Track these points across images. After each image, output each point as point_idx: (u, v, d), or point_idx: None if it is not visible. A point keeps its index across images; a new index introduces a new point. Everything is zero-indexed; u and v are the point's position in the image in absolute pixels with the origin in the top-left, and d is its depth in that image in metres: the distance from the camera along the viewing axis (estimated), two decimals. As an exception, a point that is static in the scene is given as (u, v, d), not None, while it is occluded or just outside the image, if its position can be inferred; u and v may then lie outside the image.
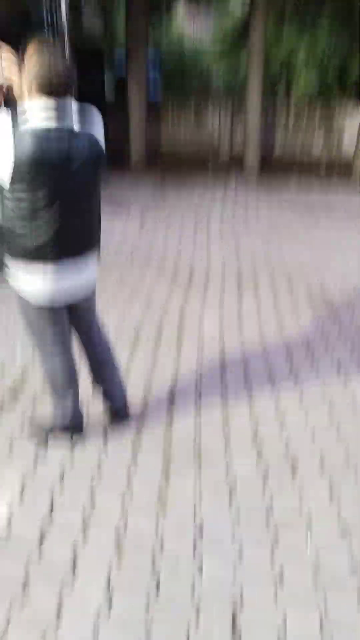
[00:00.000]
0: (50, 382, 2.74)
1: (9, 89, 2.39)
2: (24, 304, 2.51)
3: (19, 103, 2.34)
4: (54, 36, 6.49)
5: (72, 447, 2.84)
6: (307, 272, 5.44)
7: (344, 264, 5.69)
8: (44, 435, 2.87)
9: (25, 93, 2.26)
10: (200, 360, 3.75)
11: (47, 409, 3.06)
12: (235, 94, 17.16)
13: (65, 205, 2.32)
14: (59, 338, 2.62)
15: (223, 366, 3.68)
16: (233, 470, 2.73)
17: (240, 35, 11.32)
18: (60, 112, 2.23)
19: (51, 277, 2.41)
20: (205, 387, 3.42)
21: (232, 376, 3.56)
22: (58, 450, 2.82)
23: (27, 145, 2.16)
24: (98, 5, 9.29)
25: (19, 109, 2.24)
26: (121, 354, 3.70)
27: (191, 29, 20.60)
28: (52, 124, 2.21)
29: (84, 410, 3.03)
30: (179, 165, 10.33)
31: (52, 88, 2.22)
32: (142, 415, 3.13)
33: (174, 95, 18.49)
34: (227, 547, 2.29)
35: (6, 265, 2.44)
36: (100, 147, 2.38)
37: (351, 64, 14.28)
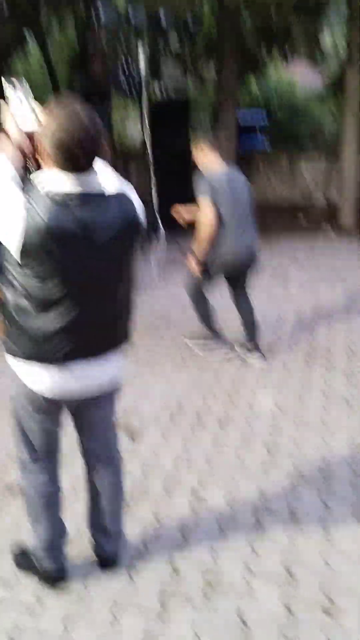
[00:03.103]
0: (26, 502, 2.22)
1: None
2: (18, 383, 2.04)
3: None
4: (131, 91, 6.39)
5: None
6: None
7: None
8: (23, 563, 2.33)
9: (42, 160, 1.88)
10: (243, 446, 3.17)
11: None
12: (333, 140, 16.47)
13: (83, 296, 1.88)
14: (45, 439, 2.13)
15: (270, 454, 3.08)
16: (253, 608, 2.12)
17: (338, 82, 10.84)
18: (83, 182, 1.82)
19: (54, 378, 1.96)
20: (236, 491, 2.85)
21: (276, 475, 2.95)
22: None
23: (43, 211, 1.76)
24: (183, 60, 9.21)
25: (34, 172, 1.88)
26: (154, 435, 3.26)
27: (298, 75, 20.19)
28: (75, 188, 1.81)
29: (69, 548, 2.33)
30: (271, 217, 9.87)
31: (72, 162, 1.79)
32: (149, 534, 2.61)
33: (284, 144, 18.06)
34: None
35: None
36: (134, 211, 1.93)
37: None
